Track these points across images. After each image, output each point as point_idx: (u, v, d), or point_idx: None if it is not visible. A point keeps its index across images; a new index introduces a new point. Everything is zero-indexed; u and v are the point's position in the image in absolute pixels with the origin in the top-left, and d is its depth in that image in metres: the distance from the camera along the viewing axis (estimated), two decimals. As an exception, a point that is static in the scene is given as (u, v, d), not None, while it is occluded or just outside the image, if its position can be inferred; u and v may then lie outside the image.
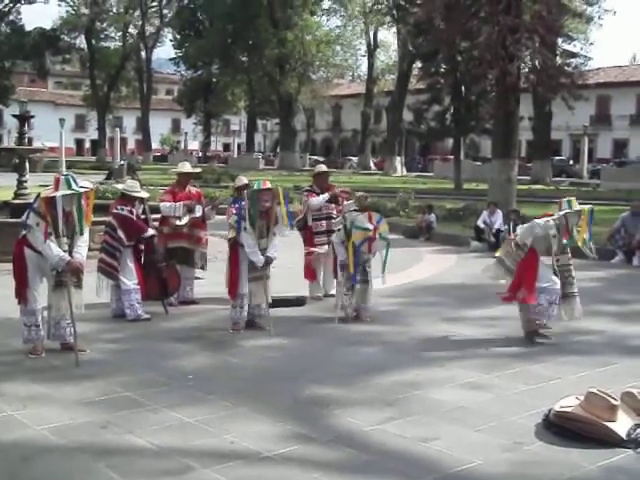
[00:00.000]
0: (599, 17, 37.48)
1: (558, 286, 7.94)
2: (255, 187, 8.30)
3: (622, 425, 5.15)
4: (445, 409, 5.78)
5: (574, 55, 28.84)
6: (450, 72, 32.42)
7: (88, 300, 7.78)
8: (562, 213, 7.97)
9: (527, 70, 20.96)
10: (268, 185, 8.29)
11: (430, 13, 23.37)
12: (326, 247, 9.85)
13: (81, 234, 7.04)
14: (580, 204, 8.16)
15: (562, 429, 5.20)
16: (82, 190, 6.97)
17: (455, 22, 20.74)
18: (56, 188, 6.91)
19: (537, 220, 8.14)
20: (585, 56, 32.61)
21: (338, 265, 9.09)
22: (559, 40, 26.06)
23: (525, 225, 8.36)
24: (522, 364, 7.12)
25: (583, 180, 44.69)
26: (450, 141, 44.75)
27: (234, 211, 8.77)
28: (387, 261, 9.00)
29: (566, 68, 23.84)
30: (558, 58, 24.40)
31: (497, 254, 8.39)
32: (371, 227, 8.82)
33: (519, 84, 19.92)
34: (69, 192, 6.88)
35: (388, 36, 64.15)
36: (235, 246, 8.42)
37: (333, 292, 9.67)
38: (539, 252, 7.97)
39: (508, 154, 19.56)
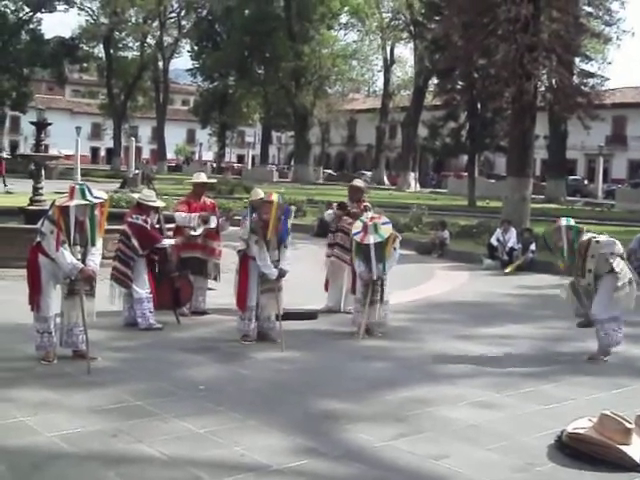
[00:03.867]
0: (617, 37, 37.30)
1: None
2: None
3: (636, 449, 5.10)
4: (456, 427, 5.74)
5: (591, 75, 28.71)
6: (466, 89, 32.40)
7: (100, 308, 7.79)
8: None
9: (544, 89, 20.93)
10: (272, 198, 8.33)
11: (448, 30, 23.43)
12: (327, 259, 10.19)
13: (93, 244, 7.06)
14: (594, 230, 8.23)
15: (575, 451, 5.15)
16: (96, 201, 7.00)
17: (473, 39, 20.74)
18: (71, 197, 6.95)
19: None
20: (602, 76, 32.54)
21: (357, 279, 9.11)
22: (576, 59, 25.99)
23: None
24: (534, 384, 7.07)
25: (598, 200, 44.54)
26: (464, 158, 44.70)
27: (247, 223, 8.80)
28: (387, 263, 8.91)
29: (583, 88, 23.75)
30: (575, 77, 24.29)
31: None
32: (369, 217, 9.00)
33: (535, 103, 19.88)
34: (83, 202, 6.92)
35: (405, 52, 64.76)
36: (245, 258, 8.43)
37: (349, 309, 9.69)
38: None
39: (523, 172, 19.50)
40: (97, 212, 7.02)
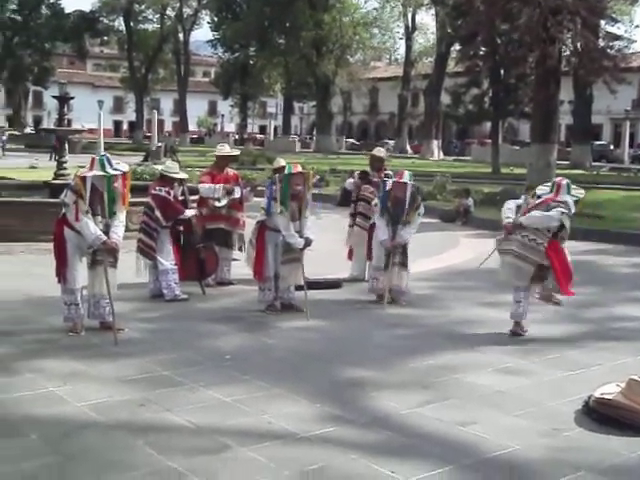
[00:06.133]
0: (644, -3, 36.75)
1: None
2: (286, 171, 8.38)
3: (664, 413, 5.07)
4: (482, 393, 5.74)
5: (617, 37, 28.23)
6: (489, 55, 32.04)
7: (127, 280, 7.85)
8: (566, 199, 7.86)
9: (568, 53, 20.66)
10: (299, 169, 8.33)
11: (470, -6, 23.11)
12: (349, 229, 10.20)
13: (110, 217, 7.08)
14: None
15: (602, 416, 5.13)
16: (113, 172, 7.00)
17: (495, 4, 20.47)
18: (91, 168, 7.00)
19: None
20: (629, 39, 32.08)
21: (374, 247, 9.08)
22: (602, 22, 25.54)
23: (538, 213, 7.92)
24: (560, 350, 7.05)
25: (624, 165, 44.00)
26: (488, 125, 44.28)
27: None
28: (409, 228, 8.88)
29: (609, 51, 23.45)
30: (601, 40, 23.92)
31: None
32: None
33: (560, 67, 19.64)
34: (100, 174, 6.94)
35: (426, 18, 64.21)
36: (262, 229, 8.42)
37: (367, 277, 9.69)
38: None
39: (547, 138, 19.33)
40: (116, 184, 7.03)
